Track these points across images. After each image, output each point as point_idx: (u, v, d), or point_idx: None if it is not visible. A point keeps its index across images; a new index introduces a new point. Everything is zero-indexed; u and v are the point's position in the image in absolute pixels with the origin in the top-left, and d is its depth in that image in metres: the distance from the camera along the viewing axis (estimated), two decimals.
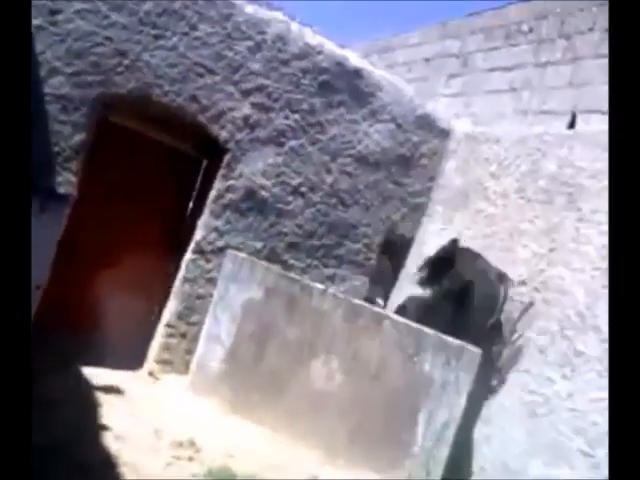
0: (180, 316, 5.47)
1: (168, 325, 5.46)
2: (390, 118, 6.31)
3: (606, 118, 5.98)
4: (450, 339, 4.82)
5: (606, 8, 6.41)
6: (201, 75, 5.27)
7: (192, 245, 5.41)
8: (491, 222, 6.15)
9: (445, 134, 6.73)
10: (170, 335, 5.46)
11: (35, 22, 4.58)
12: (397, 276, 6.44)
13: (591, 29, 6.55)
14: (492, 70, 6.94)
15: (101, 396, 4.62)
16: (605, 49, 6.33)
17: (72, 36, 4.71)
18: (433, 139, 6.65)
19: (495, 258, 5.85)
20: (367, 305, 5.23)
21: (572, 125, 6.42)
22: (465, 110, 6.98)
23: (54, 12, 4.67)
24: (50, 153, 4.63)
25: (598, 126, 5.98)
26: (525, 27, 7.03)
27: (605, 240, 5.14)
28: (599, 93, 6.15)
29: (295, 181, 5.82)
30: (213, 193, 5.42)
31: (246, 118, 5.53)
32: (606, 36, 6.37)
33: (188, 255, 5.43)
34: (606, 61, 6.25)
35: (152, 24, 5.01)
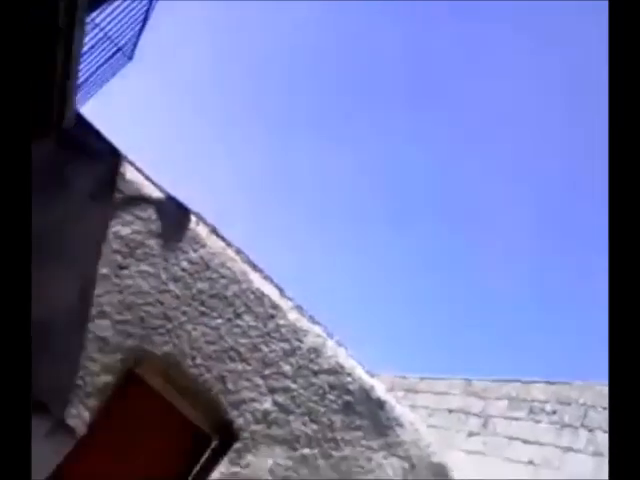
0: None
1: None
2: (405, 456, 6.20)
3: None
4: None
5: None
6: (233, 360, 5.47)
7: None
8: None
9: None
10: None
11: (102, 270, 5.04)
12: None
13: None
14: (512, 439, 6.96)
15: None
16: None
17: (129, 290, 5.11)
18: None
19: None
20: None
21: None
22: (479, 470, 6.84)
23: (121, 267, 5.14)
24: (73, 384, 4.69)
25: None
26: (548, 407, 7.20)
27: None
28: None
29: None
30: (216, 475, 5.21)
31: (266, 413, 5.56)
32: None
33: None
34: None
35: (201, 301, 5.40)
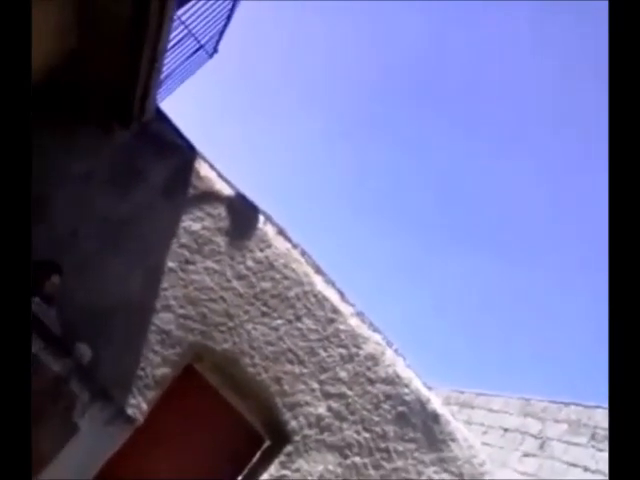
0: None
1: None
2: (457, 473, 6.11)
3: None
4: None
5: None
6: (291, 362, 5.50)
7: None
8: None
9: None
10: None
11: (169, 264, 5.15)
12: None
13: None
14: (571, 465, 6.75)
15: None
16: None
17: (194, 285, 5.20)
18: None
19: None
20: None
21: None
22: None
23: (188, 262, 5.23)
24: (134, 374, 4.80)
25: None
26: None
27: None
28: None
29: None
30: (265, 477, 5.25)
31: (320, 418, 5.56)
32: None
33: None
34: None
35: (264, 302, 5.45)
